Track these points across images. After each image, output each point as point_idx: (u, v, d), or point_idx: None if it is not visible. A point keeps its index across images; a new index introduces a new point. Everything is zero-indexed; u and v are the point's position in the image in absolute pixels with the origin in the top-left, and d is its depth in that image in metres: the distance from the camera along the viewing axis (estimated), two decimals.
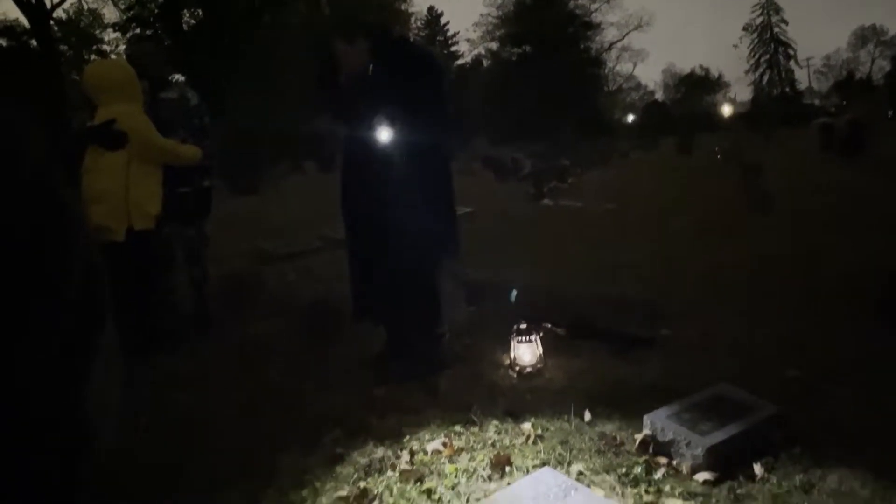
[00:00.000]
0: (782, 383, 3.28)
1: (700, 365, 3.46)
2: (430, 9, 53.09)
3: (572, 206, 7.81)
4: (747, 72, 52.64)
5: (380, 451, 2.78)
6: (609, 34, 45.35)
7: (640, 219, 6.80)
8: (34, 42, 23.66)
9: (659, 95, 53.67)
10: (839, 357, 3.57)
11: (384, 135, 3.34)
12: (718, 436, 2.67)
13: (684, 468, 2.63)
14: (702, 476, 2.56)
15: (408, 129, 3.35)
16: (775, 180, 8.69)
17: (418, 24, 48.36)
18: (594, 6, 43.48)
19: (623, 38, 45.34)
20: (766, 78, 52.19)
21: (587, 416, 3.05)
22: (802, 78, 56.77)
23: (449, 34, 53.75)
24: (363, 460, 2.72)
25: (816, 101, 50.75)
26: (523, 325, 3.61)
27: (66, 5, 25.75)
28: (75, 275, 1.88)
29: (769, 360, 3.53)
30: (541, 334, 3.66)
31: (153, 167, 3.78)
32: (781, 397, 3.01)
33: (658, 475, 2.61)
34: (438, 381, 3.44)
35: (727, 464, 2.61)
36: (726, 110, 47.73)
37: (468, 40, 51.79)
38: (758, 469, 2.59)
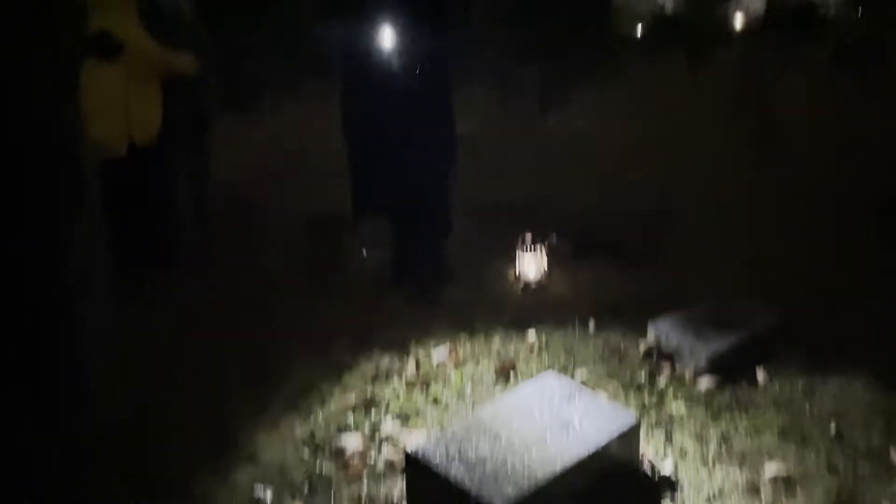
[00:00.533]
0: (788, 294, 3.28)
1: (706, 276, 3.45)
2: None
3: (579, 122, 7.66)
4: None
5: (386, 361, 2.82)
6: None
7: (648, 134, 6.67)
8: None
9: (668, 6, 51.90)
10: (846, 269, 3.56)
11: (388, 36, 3.25)
12: (722, 343, 2.70)
13: (687, 374, 2.67)
14: (704, 382, 2.60)
15: (412, 27, 3.25)
16: (787, 95, 8.48)
17: None
18: None
19: None
20: None
21: (591, 325, 3.07)
22: None
23: None
24: (370, 369, 2.76)
25: (832, 11, 49.05)
26: (528, 239, 3.59)
27: None
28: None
29: (776, 272, 3.52)
30: (546, 247, 3.65)
31: (151, 80, 3.68)
32: (787, 307, 3.02)
33: (661, 381, 2.65)
34: (444, 293, 3.45)
35: (730, 370, 2.65)
36: (738, 22, 46.15)
37: None
38: (760, 375, 2.63)
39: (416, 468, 1.92)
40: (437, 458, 1.89)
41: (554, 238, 3.96)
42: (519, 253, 3.56)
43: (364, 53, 3.34)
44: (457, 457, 1.90)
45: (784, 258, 3.71)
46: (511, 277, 3.61)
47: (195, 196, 4.18)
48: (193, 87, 4.01)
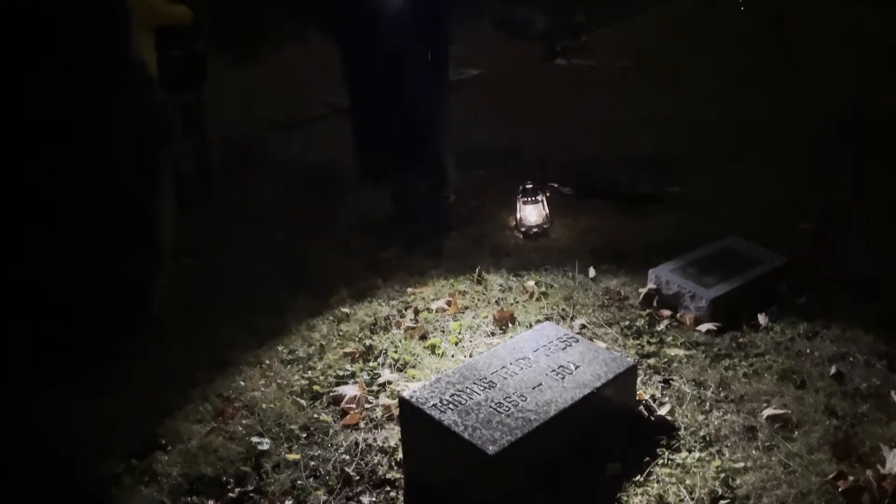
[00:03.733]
0: (793, 235, 3.23)
1: (710, 220, 3.40)
2: None
3: (586, 64, 7.49)
4: None
5: (385, 310, 2.81)
6: None
7: (655, 76, 6.51)
8: None
9: None
10: (852, 208, 3.49)
11: None
12: (723, 287, 2.66)
13: (688, 320, 2.64)
14: (705, 327, 2.58)
15: None
16: (799, 30, 8.22)
17: None
18: None
19: None
20: None
21: (592, 272, 3.04)
22: None
23: None
24: (368, 319, 2.76)
25: None
26: (529, 186, 3.54)
27: None
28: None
29: (781, 213, 3.47)
30: (547, 194, 3.60)
31: (145, 30, 3.60)
32: (791, 249, 2.98)
33: (661, 327, 2.63)
34: (444, 242, 3.42)
35: (732, 315, 2.62)
36: None
37: None
38: (762, 319, 2.60)
39: (410, 413, 1.93)
40: (430, 403, 1.89)
41: (555, 184, 3.91)
42: (519, 201, 3.51)
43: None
44: (451, 403, 1.90)
45: (787, 198, 3.64)
46: (512, 226, 3.58)
47: (193, 148, 4.15)
48: (188, 34, 3.94)
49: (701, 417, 2.13)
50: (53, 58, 1.76)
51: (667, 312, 2.70)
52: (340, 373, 2.43)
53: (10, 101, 1.72)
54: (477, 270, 3.07)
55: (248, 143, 5.01)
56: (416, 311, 2.79)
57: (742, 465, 1.93)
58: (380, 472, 1.98)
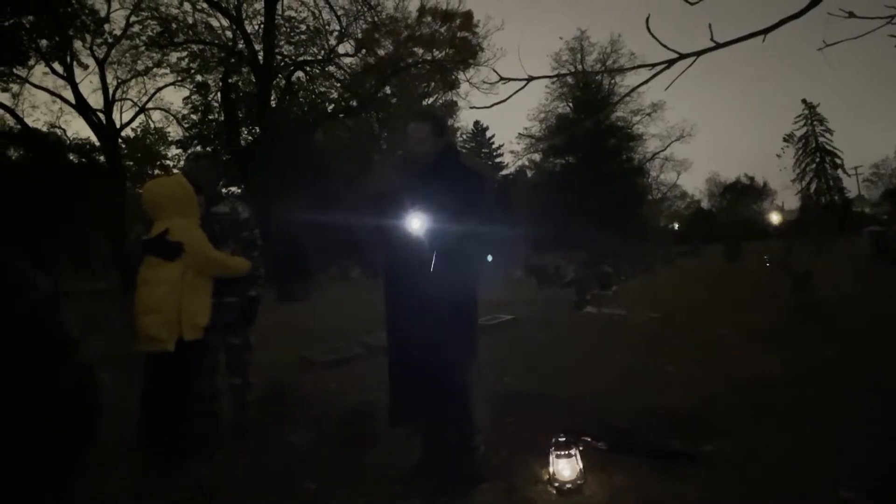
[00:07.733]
0: None
1: (746, 482, 3.30)
2: (476, 123, 55.72)
3: (616, 314, 7.74)
4: (794, 180, 52.16)
5: None
6: (651, 145, 45.80)
7: (684, 328, 6.68)
8: (102, 158, 25.28)
9: (704, 203, 53.99)
10: (893, 474, 3.37)
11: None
12: None
13: None
14: None
15: (452, 234, 3.42)
16: (825, 288, 8.51)
17: (464, 137, 50.23)
18: (636, 118, 44.31)
19: (665, 148, 45.75)
20: (813, 186, 51.67)
21: None
22: (851, 186, 55.74)
23: (494, 146, 55.93)
24: None
25: (867, 210, 50.04)
26: (562, 439, 3.52)
27: (134, 124, 27.64)
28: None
29: (819, 477, 3.35)
30: (580, 448, 3.56)
31: (205, 279, 3.88)
32: None
33: None
34: (473, 496, 3.35)
35: None
36: (774, 218, 47.31)
37: (512, 152, 53.57)
38: None
39: None
40: None
41: (588, 437, 3.88)
42: (552, 455, 3.48)
43: (399, 257, 3.51)
44: None
45: (822, 462, 3.53)
46: (545, 480, 3.50)
47: (234, 387, 4.27)
48: (242, 282, 4.24)
49: None
50: None
51: None
52: None
53: None
54: None
55: (285, 382, 5.15)
56: None
57: None
58: None
